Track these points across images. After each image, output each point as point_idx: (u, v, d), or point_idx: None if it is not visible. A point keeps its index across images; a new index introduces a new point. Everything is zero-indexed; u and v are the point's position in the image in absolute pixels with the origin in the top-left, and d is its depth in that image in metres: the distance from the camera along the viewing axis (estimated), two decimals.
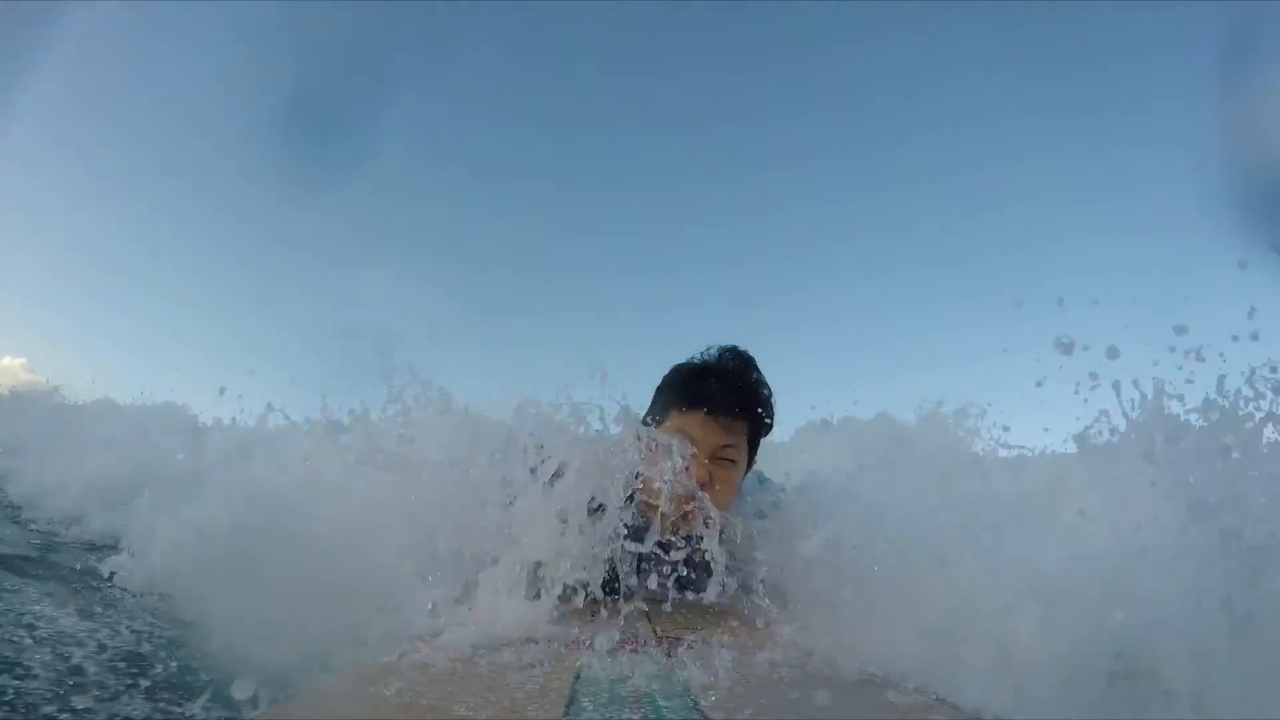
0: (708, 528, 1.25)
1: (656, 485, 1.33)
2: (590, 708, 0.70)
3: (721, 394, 1.47)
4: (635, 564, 1.31)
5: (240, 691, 0.76)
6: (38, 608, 1.42)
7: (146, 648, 1.27)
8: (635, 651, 1.00)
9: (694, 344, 1.65)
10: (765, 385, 1.56)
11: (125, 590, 1.65)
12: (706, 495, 1.33)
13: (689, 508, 1.34)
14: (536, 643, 1.05)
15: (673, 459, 1.32)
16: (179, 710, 1.01)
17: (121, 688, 1.07)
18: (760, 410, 1.51)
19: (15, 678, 1.03)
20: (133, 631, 1.35)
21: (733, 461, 1.48)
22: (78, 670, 1.10)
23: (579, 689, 0.77)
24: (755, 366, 1.58)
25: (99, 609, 1.48)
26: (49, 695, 1.00)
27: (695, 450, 1.38)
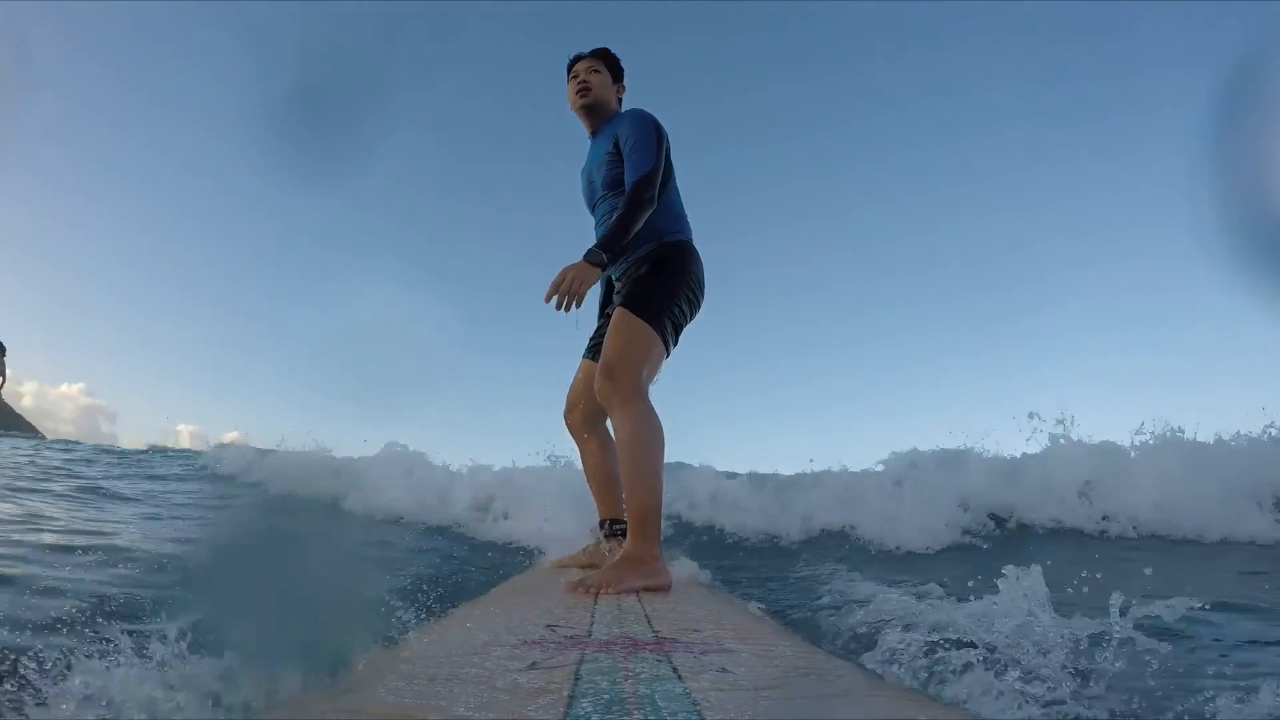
0: None
1: None
2: (590, 708, 0.70)
3: (573, 58, 2.44)
4: None
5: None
6: None
7: None
8: (635, 652, 1.00)
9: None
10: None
11: None
12: None
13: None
14: (537, 643, 1.06)
15: None
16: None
17: None
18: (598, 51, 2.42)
19: None
20: None
21: (596, 71, 2.37)
22: None
23: (579, 689, 0.77)
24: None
25: None
26: None
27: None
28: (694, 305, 2.22)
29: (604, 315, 2.44)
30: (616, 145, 2.21)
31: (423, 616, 1.51)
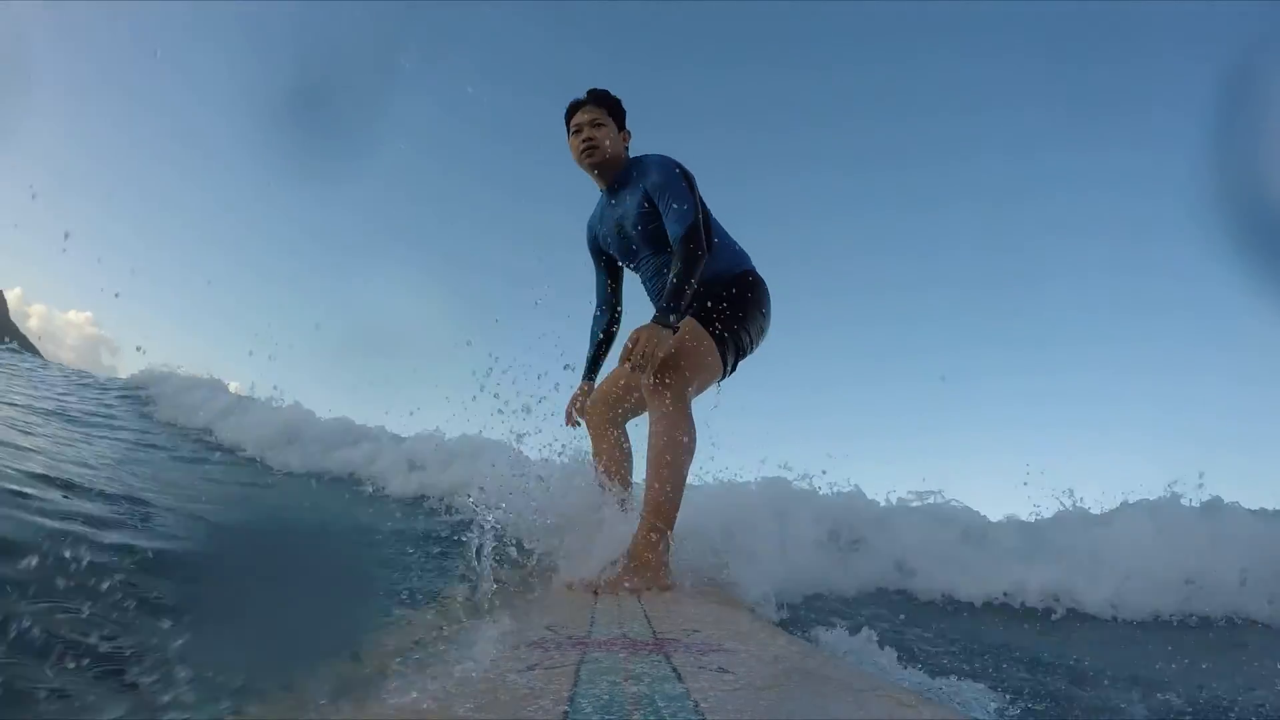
0: None
1: None
2: (590, 708, 0.70)
3: (577, 102, 2.31)
4: None
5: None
6: None
7: None
8: (635, 652, 1.00)
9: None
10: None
11: None
12: None
13: None
14: (536, 643, 1.06)
15: None
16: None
17: None
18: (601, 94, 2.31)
19: None
20: None
21: (600, 124, 2.25)
22: None
23: (579, 689, 0.77)
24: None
25: None
26: None
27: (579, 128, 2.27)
28: (761, 335, 2.27)
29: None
30: (648, 198, 2.17)
31: (422, 616, 1.51)
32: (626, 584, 1.78)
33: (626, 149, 2.32)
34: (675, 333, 1.99)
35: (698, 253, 2.04)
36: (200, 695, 0.90)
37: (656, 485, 1.95)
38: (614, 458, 2.36)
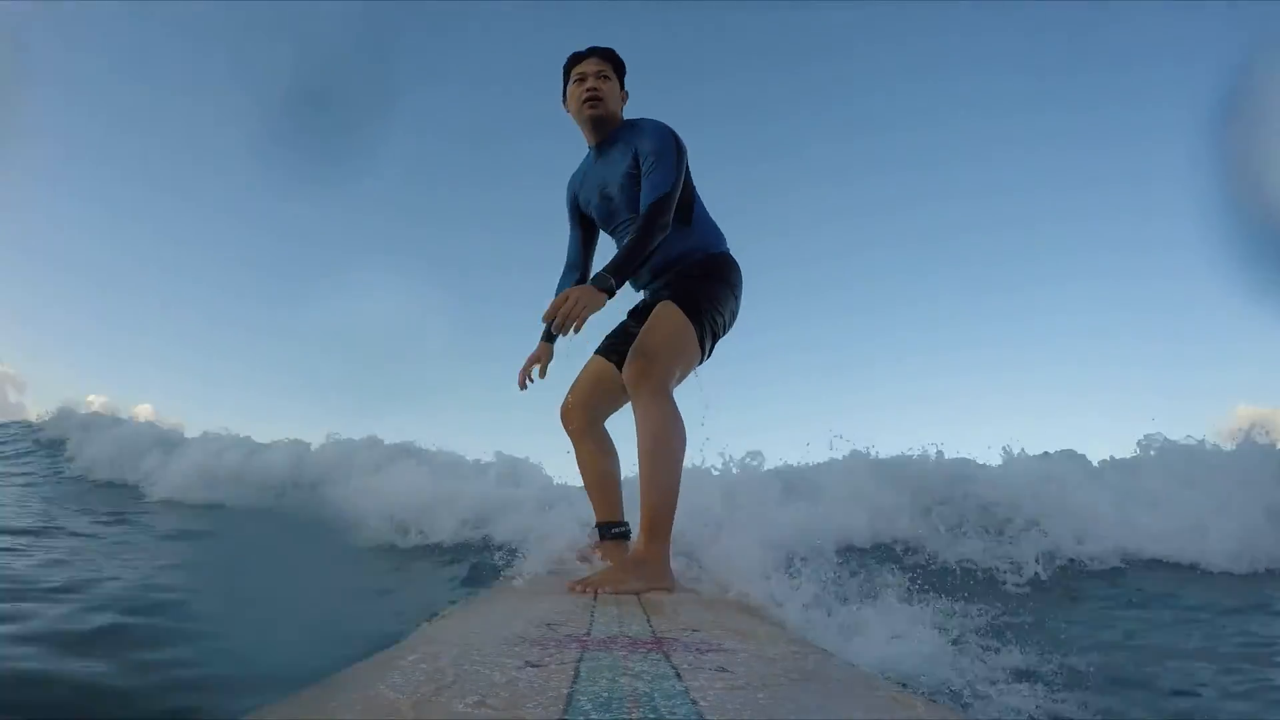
0: None
1: None
2: (590, 708, 0.70)
3: (581, 53, 2.25)
4: None
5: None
6: None
7: None
8: (634, 651, 1.00)
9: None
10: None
11: None
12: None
13: None
14: (536, 641, 1.06)
15: None
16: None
17: None
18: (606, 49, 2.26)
19: None
20: None
21: (606, 77, 2.20)
22: None
23: (578, 689, 0.77)
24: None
25: None
26: None
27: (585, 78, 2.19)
28: (733, 318, 2.22)
29: (630, 319, 2.37)
30: (637, 161, 2.11)
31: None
32: (627, 585, 1.78)
33: (622, 110, 2.27)
34: (610, 297, 1.89)
35: (661, 223, 1.99)
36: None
37: (651, 487, 1.90)
38: (600, 464, 2.29)
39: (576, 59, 2.24)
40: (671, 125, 2.14)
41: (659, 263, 2.20)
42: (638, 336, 2.04)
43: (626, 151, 2.14)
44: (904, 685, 1.28)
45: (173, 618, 1.64)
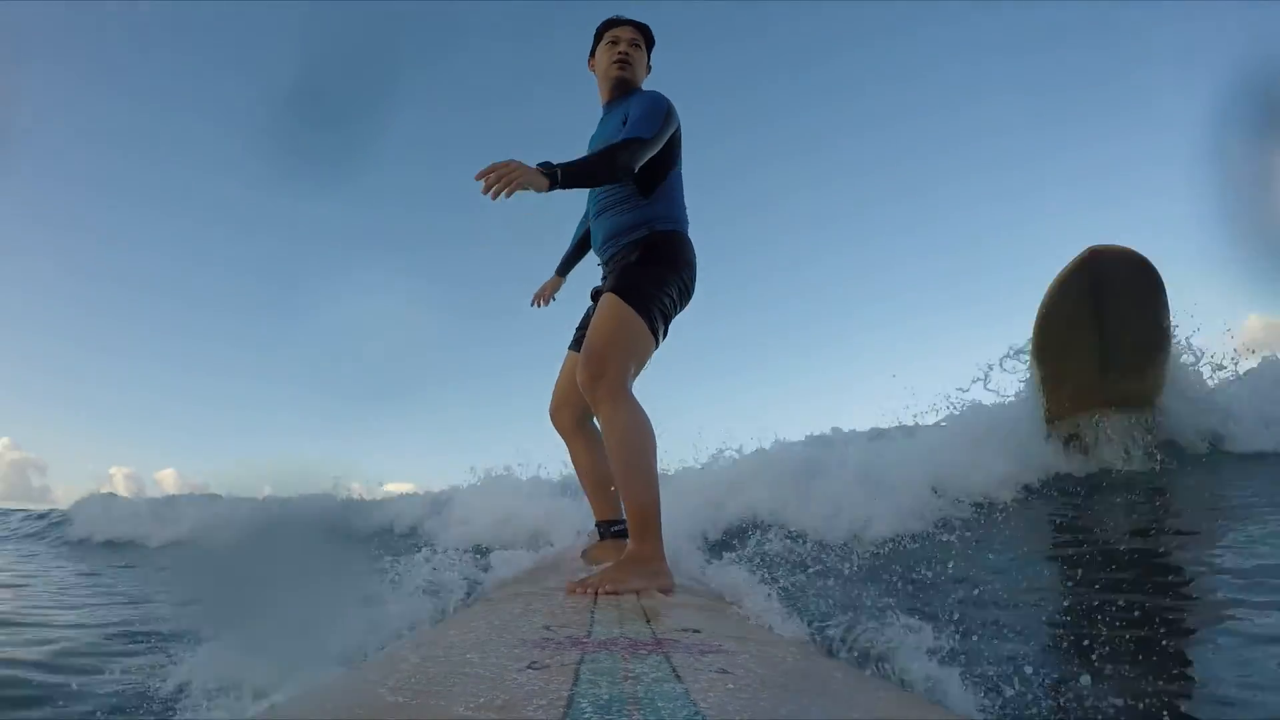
0: None
1: None
2: (589, 708, 0.70)
3: (618, 20, 2.36)
4: None
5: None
6: None
7: None
8: (634, 652, 1.00)
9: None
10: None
11: None
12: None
13: None
14: (536, 643, 1.06)
15: None
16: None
17: None
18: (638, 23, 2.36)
19: None
20: None
21: (639, 45, 2.34)
22: None
23: (578, 689, 0.77)
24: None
25: None
26: None
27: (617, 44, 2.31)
28: (685, 295, 2.15)
29: (593, 303, 2.35)
30: (626, 122, 2.11)
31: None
32: (627, 584, 1.77)
33: (642, 82, 2.37)
34: (549, 184, 1.79)
35: (622, 159, 1.95)
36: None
37: (629, 490, 1.89)
38: (593, 462, 2.32)
39: (613, 23, 2.36)
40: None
41: (609, 228, 2.18)
42: (586, 336, 2.01)
43: (621, 114, 2.17)
44: (903, 685, 1.28)
45: None
